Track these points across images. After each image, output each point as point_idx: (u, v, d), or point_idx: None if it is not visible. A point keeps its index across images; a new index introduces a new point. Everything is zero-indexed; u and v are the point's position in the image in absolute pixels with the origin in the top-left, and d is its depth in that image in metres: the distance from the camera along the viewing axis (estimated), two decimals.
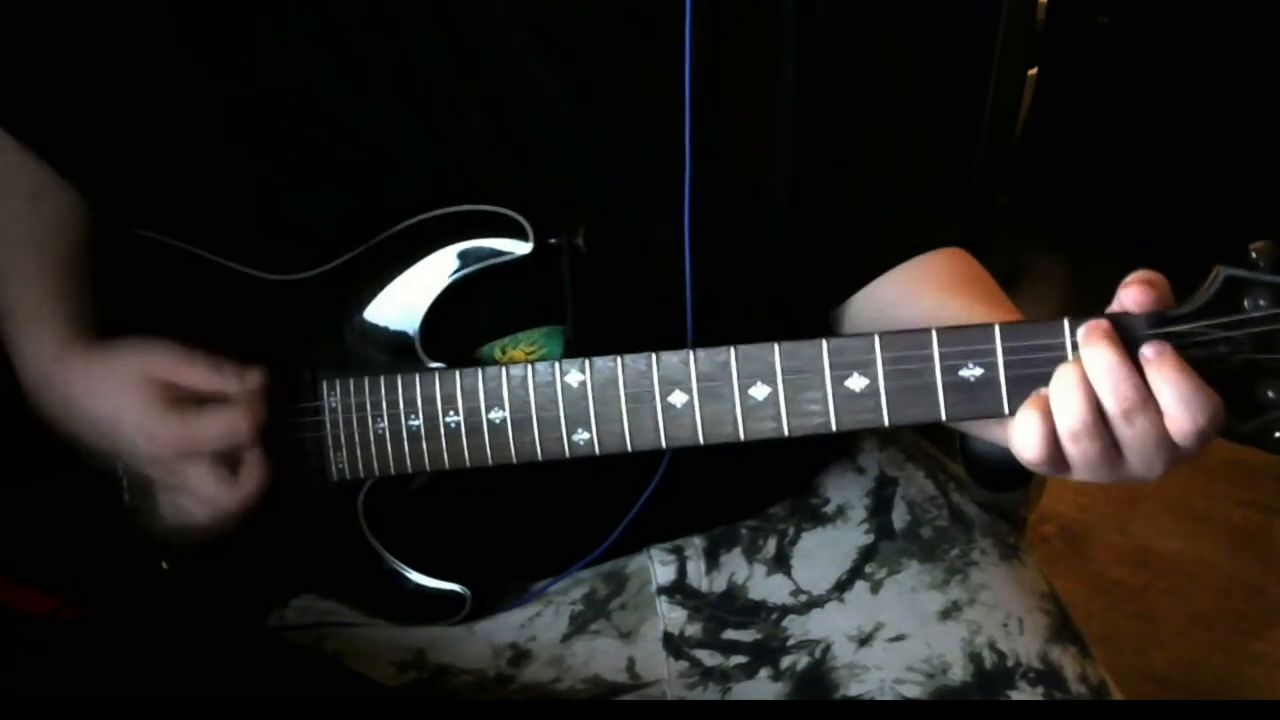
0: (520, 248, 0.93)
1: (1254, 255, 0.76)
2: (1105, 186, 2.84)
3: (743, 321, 0.87)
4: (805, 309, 1.06)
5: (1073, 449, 0.79)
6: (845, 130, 1.05)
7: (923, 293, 1.02)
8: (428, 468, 0.96)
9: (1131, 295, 0.78)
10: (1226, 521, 2.30)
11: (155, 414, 0.96)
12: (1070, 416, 0.78)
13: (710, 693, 1.04)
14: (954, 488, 1.13)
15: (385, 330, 0.97)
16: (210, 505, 0.98)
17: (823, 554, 1.08)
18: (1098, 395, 0.77)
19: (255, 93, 1.01)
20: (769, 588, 1.07)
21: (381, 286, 0.97)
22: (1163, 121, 2.80)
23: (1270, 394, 0.77)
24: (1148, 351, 0.76)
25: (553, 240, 0.93)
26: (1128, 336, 0.77)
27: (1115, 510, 2.32)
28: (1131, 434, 0.78)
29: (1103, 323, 0.78)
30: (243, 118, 1.02)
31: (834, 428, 0.84)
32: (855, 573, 1.06)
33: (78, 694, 0.90)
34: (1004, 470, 1.12)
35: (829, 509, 1.10)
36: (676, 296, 0.97)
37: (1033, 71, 1.54)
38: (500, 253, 0.94)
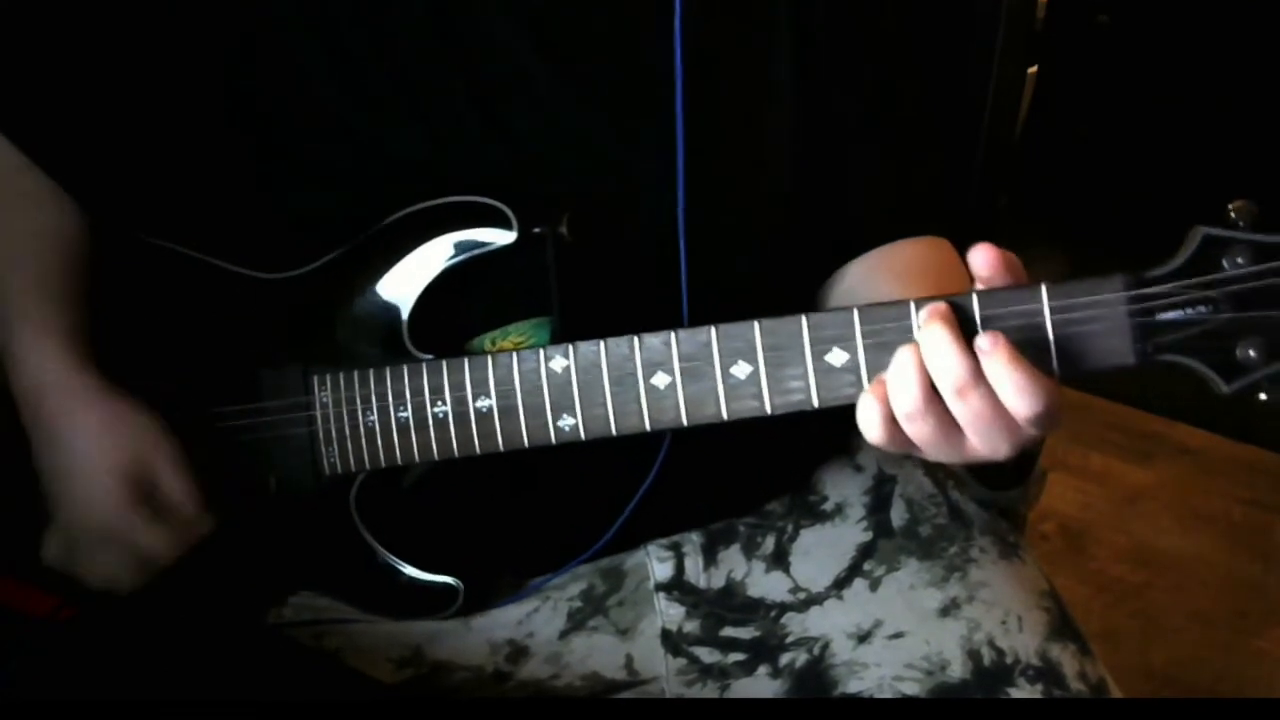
0: (504, 237, 0.93)
1: (1232, 214, 0.75)
2: (1105, 185, 2.84)
3: (736, 312, 0.87)
4: (798, 297, 1.06)
5: (909, 428, 0.80)
6: (840, 123, 1.05)
7: (884, 278, 1.03)
8: (417, 459, 0.96)
9: (981, 257, 0.79)
10: (1227, 519, 2.30)
11: (122, 501, 0.99)
12: (905, 397, 0.79)
13: (708, 690, 1.04)
14: (953, 485, 1.13)
15: (375, 325, 0.97)
16: (137, 568, 1.01)
17: (821, 551, 1.08)
18: (930, 375, 0.79)
19: (250, 91, 1.01)
20: (767, 585, 1.07)
21: (370, 282, 0.97)
22: (1163, 120, 2.80)
23: (1252, 353, 0.76)
24: (982, 343, 0.77)
25: (537, 229, 0.93)
26: (965, 318, 0.78)
27: (1115, 508, 2.32)
28: (966, 412, 0.79)
29: (941, 305, 0.79)
30: (237, 116, 1.02)
31: (815, 404, 0.84)
32: (854, 570, 1.06)
33: (77, 694, 0.90)
34: (1002, 468, 1.12)
35: (827, 506, 1.10)
36: (666, 288, 0.97)
37: (1033, 70, 1.54)
38: (485, 243, 0.94)
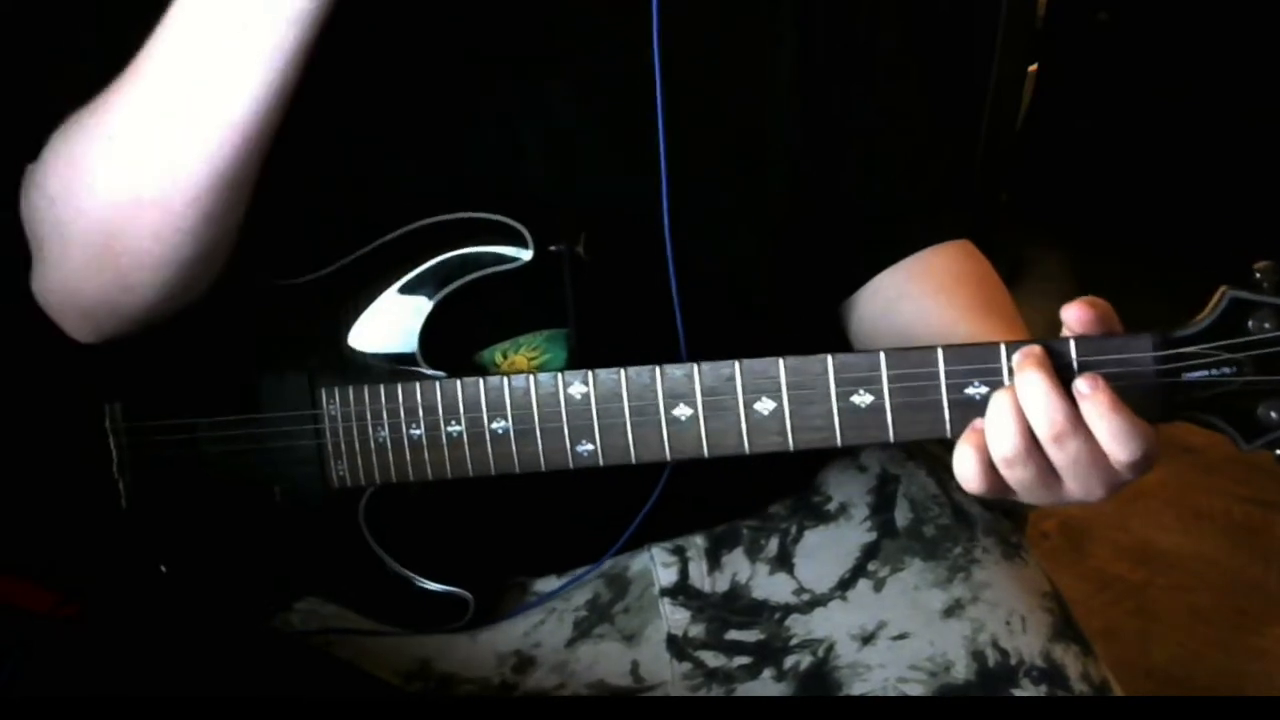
0: (520, 255, 0.93)
1: (1258, 276, 0.77)
2: (1106, 182, 2.84)
3: (743, 321, 0.86)
4: (809, 307, 1.06)
5: (1009, 475, 0.80)
6: (847, 126, 1.05)
7: (923, 292, 1.02)
8: (430, 476, 0.95)
9: (1074, 314, 0.79)
10: (1227, 518, 2.30)
11: None
12: (1004, 444, 0.79)
13: (714, 694, 1.03)
14: (956, 486, 1.12)
15: (383, 337, 0.97)
16: None
17: (825, 552, 1.07)
18: (1029, 421, 0.78)
19: None
20: (772, 587, 1.06)
21: (379, 293, 0.96)
22: (1162, 117, 2.80)
23: (1273, 414, 0.78)
24: (1082, 386, 0.77)
25: (553, 248, 0.93)
26: (1061, 363, 0.78)
27: (1116, 507, 2.32)
28: (1064, 458, 0.79)
29: (1035, 349, 0.79)
30: None
31: (839, 443, 0.84)
32: (858, 571, 1.06)
33: (78, 692, 0.90)
34: None
35: (831, 507, 1.10)
36: (669, 306, 0.97)
37: (1033, 68, 1.54)
38: (500, 260, 0.93)
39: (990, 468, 0.80)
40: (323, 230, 1.00)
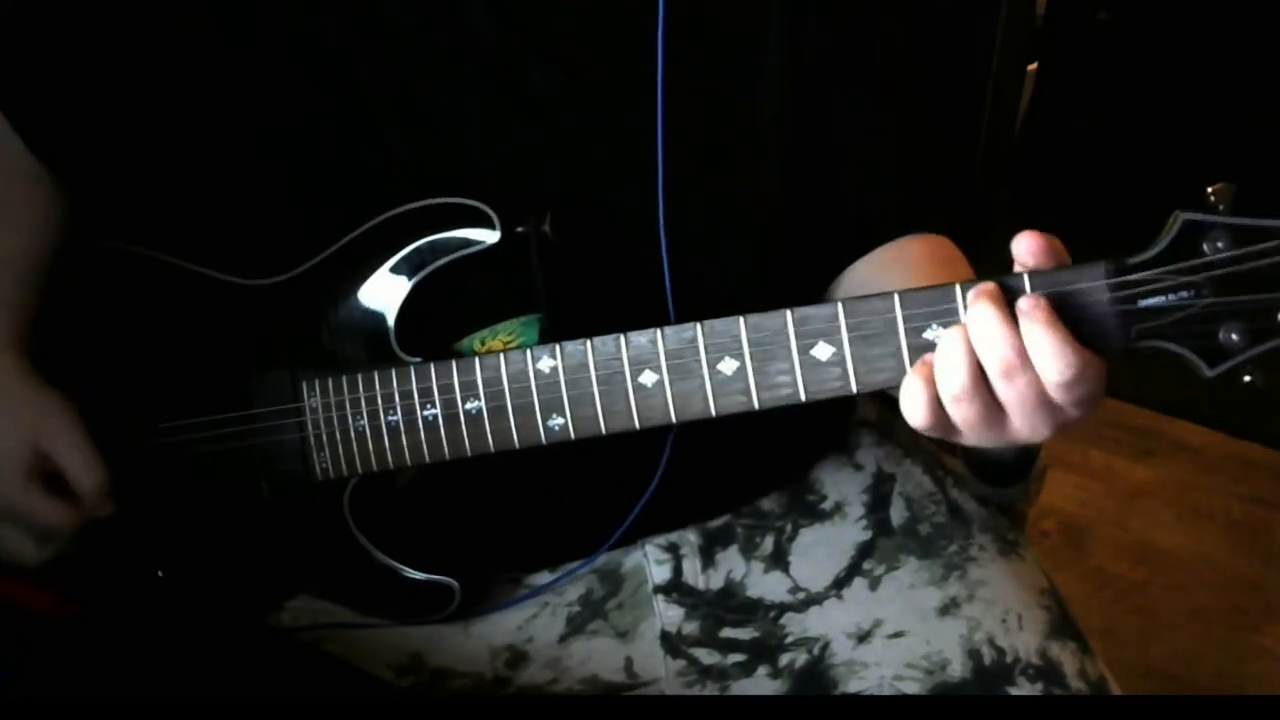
0: (488, 237, 0.93)
1: (1212, 198, 0.75)
2: (1105, 181, 2.84)
3: (727, 306, 0.87)
4: (792, 292, 1.06)
5: (955, 412, 0.79)
6: (833, 116, 1.05)
7: (893, 276, 1.02)
8: (409, 462, 0.96)
9: (1024, 244, 0.78)
10: (1227, 516, 2.30)
11: (11, 473, 0.99)
12: (953, 379, 0.78)
13: (708, 691, 1.03)
14: (952, 483, 1.13)
15: (361, 329, 0.97)
16: (40, 541, 1.01)
17: (821, 551, 1.07)
18: (979, 356, 0.78)
19: (232, 94, 1.01)
20: (767, 585, 1.06)
21: (354, 286, 0.97)
22: (1162, 116, 2.80)
23: (1234, 337, 0.75)
24: (1023, 304, 0.77)
25: (519, 229, 0.93)
26: (1014, 298, 0.77)
27: (1116, 505, 2.32)
28: (1012, 394, 0.78)
29: (989, 284, 0.78)
30: (219, 124, 1.02)
31: (803, 398, 0.84)
32: (853, 569, 1.06)
33: (77, 693, 0.90)
34: (1003, 465, 1.12)
35: (826, 505, 1.10)
36: (655, 282, 0.97)
37: (1033, 67, 1.54)
38: (468, 244, 0.94)
39: (937, 403, 0.79)
40: (297, 229, 1.01)
